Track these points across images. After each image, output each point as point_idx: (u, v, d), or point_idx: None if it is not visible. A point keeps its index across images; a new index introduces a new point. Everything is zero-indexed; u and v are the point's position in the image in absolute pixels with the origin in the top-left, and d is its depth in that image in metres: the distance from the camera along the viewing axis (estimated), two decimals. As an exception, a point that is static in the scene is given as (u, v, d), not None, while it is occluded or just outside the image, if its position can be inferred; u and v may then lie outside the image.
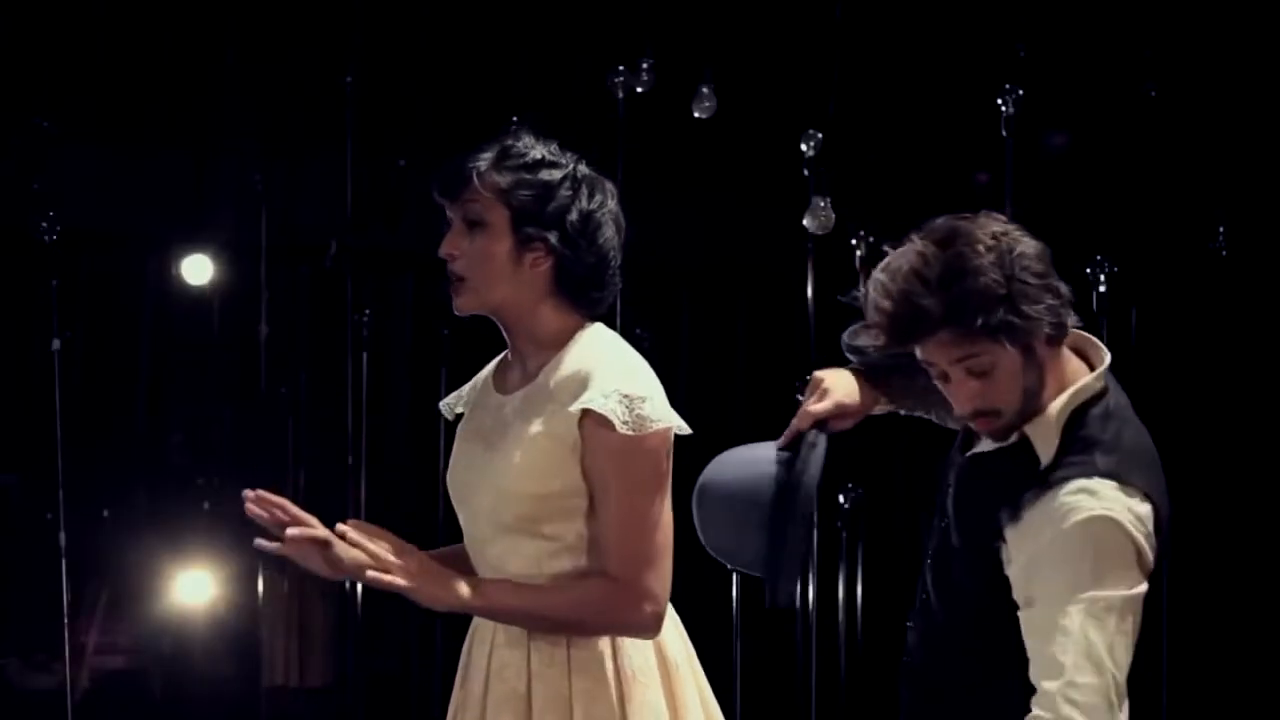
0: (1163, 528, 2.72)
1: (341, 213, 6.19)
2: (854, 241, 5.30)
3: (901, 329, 2.64)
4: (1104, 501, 2.63)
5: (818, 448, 2.83)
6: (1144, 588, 2.64)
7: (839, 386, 2.94)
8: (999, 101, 5.03)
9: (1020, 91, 5.01)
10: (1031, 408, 2.70)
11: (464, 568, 2.80)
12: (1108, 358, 2.82)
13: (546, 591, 2.68)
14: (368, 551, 2.62)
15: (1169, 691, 5.62)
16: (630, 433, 2.62)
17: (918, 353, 2.68)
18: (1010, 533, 2.68)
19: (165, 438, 7.71)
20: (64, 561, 5.21)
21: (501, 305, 2.74)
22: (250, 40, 6.82)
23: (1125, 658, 2.61)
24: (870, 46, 6.08)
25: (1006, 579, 2.68)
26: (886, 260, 2.68)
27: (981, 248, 2.63)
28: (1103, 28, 6.10)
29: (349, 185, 6.15)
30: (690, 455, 3.18)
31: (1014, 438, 2.73)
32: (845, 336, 3.00)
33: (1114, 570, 2.61)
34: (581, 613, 2.66)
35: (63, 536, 5.21)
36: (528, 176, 2.70)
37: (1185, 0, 6.02)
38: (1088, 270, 5.16)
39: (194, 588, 6.99)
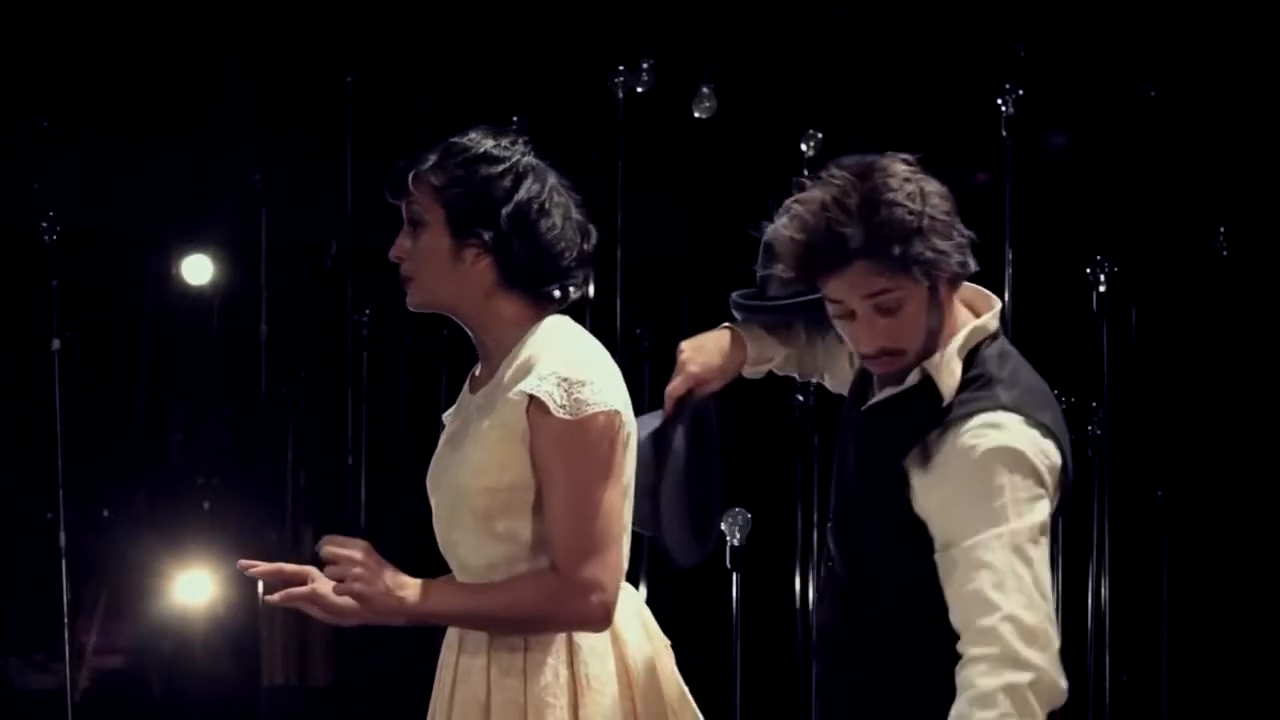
0: (1067, 466, 2.70)
1: (341, 213, 6.19)
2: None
3: (818, 259, 2.61)
4: (1009, 434, 2.61)
5: (681, 424, 2.94)
6: (1049, 513, 2.63)
7: (696, 356, 3.01)
8: (999, 101, 5.03)
9: (1020, 91, 5.01)
10: (930, 348, 2.69)
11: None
12: (998, 303, 2.80)
13: (490, 591, 2.65)
14: (339, 557, 2.59)
15: (1169, 691, 5.61)
16: (567, 417, 2.59)
17: (827, 289, 2.65)
18: (916, 476, 2.66)
19: (165, 438, 7.71)
20: (64, 561, 5.20)
21: (451, 303, 2.74)
22: (250, 40, 6.82)
23: (1049, 586, 2.60)
24: (870, 46, 6.08)
25: (913, 526, 2.65)
26: (799, 195, 2.66)
27: (895, 181, 2.62)
28: (1103, 28, 6.10)
29: (349, 185, 6.15)
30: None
31: (912, 380, 2.72)
32: (734, 295, 3.01)
33: (1025, 500, 2.59)
34: (525, 609, 2.63)
35: (63, 536, 5.21)
36: (461, 173, 2.69)
37: (1185, 0, 6.02)
38: (1088, 270, 5.16)
39: (194, 588, 6.99)
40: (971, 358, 2.71)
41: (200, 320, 7.22)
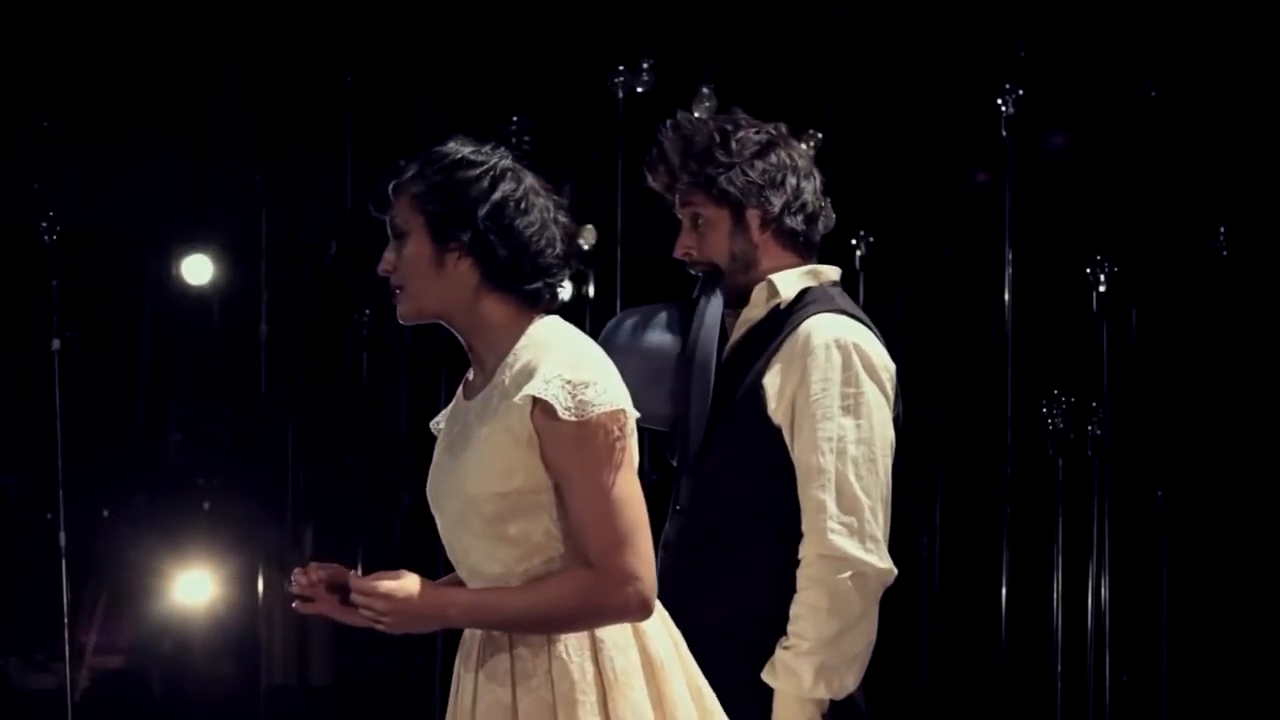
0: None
1: (341, 213, 6.20)
2: (854, 241, 5.30)
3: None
4: (845, 329, 3.13)
5: (712, 303, 3.29)
6: (887, 412, 3.12)
7: None
8: (999, 101, 5.03)
9: (1020, 91, 5.01)
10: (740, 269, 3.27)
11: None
12: (837, 272, 3.31)
13: (525, 593, 2.68)
14: (362, 601, 2.67)
15: (1169, 691, 5.62)
16: (574, 419, 2.62)
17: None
18: (768, 377, 3.14)
19: (165, 438, 7.71)
20: (64, 561, 5.20)
21: (438, 309, 2.77)
22: (250, 40, 6.83)
23: (872, 476, 3.06)
24: (870, 46, 6.08)
25: (768, 434, 3.10)
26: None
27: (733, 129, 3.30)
28: (1103, 28, 6.10)
29: (349, 185, 6.15)
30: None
31: (759, 307, 3.24)
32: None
33: (854, 394, 3.08)
34: (563, 607, 2.65)
35: (63, 536, 5.21)
36: (438, 179, 2.73)
37: (1185, 0, 6.02)
38: (1088, 270, 5.16)
39: (194, 588, 6.99)
40: (805, 293, 3.21)
41: (200, 320, 7.23)
